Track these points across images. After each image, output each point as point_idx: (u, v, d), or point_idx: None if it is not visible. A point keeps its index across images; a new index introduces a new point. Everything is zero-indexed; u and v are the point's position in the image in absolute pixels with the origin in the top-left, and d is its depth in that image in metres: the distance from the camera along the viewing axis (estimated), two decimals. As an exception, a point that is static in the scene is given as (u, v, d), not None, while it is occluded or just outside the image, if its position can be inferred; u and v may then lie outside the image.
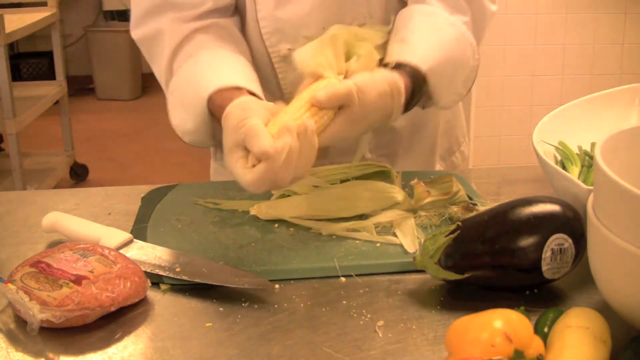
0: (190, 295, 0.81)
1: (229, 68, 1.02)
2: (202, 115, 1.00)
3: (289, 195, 1.00)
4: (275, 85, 1.14)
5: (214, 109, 0.98)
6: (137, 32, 1.11)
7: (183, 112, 1.04)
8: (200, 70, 1.02)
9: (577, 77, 2.91)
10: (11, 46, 5.09)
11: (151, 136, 4.51)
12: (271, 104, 0.92)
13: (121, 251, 0.86)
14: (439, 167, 1.29)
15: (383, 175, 1.05)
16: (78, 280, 0.76)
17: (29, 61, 5.17)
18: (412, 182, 1.00)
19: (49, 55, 4.14)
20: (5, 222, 1.01)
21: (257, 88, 1.00)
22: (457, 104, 1.09)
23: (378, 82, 0.91)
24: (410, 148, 1.23)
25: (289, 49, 1.09)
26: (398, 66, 0.96)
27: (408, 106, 0.97)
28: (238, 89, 0.96)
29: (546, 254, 0.76)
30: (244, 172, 0.82)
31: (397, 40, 1.01)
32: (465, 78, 1.08)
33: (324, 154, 1.15)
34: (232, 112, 0.87)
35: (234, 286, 0.80)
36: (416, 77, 0.97)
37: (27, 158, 3.43)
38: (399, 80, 0.92)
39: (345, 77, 0.93)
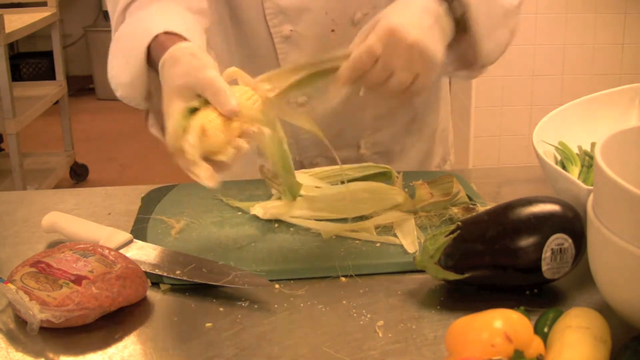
0: (190, 295, 0.81)
1: (176, 18, 0.96)
2: (140, 63, 0.93)
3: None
4: (275, 67, 1.13)
5: (155, 56, 0.91)
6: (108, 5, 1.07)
7: (122, 61, 0.98)
8: (146, 17, 0.97)
9: (577, 77, 2.90)
10: (11, 46, 5.09)
11: (151, 136, 4.50)
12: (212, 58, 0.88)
13: (121, 251, 0.86)
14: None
15: (383, 176, 1.05)
16: (78, 280, 0.76)
17: (29, 61, 5.17)
18: (415, 183, 1.00)
19: (49, 55, 4.14)
20: (5, 222, 1.01)
21: (203, 42, 0.95)
22: (501, 54, 1.04)
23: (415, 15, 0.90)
24: (406, 150, 1.23)
25: (291, 30, 1.09)
26: None
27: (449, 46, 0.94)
28: (182, 37, 0.90)
29: (546, 254, 0.76)
30: (208, 177, 0.80)
31: None
32: (506, 18, 1.03)
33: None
34: (180, 57, 0.84)
35: (234, 286, 0.80)
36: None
37: (27, 158, 3.43)
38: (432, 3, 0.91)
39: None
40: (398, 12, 0.91)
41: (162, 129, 0.99)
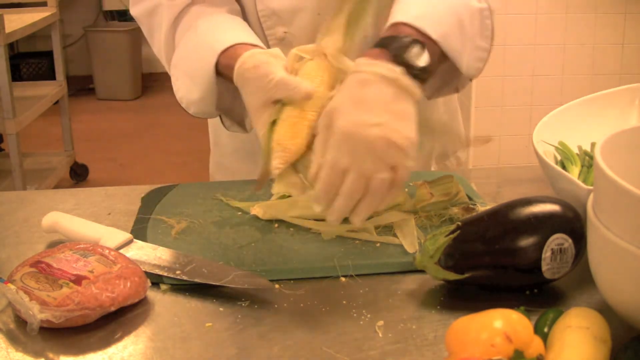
0: (190, 295, 0.81)
1: (229, 29, 1.02)
2: (210, 80, 0.99)
3: (289, 196, 1.00)
4: None
5: (223, 70, 0.97)
6: (135, 8, 1.11)
7: (189, 82, 1.04)
8: (202, 37, 1.02)
9: (577, 77, 2.90)
10: (11, 46, 5.09)
11: (151, 136, 4.51)
12: (274, 49, 0.92)
13: (121, 251, 0.86)
14: (433, 169, 1.29)
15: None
16: (78, 280, 0.76)
17: (29, 61, 5.17)
18: (416, 183, 0.99)
19: (49, 55, 4.14)
20: (5, 222, 1.01)
21: (256, 40, 1.00)
22: (484, 63, 0.99)
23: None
24: None
25: (284, 32, 1.10)
26: (394, 25, 0.89)
27: (424, 78, 0.85)
28: (241, 45, 0.96)
29: (546, 254, 0.76)
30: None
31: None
32: (479, 25, 0.98)
33: None
34: (246, 74, 0.88)
35: (234, 286, 0.80)
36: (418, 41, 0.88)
37: (27, 158, 3.42)
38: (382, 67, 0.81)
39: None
40: (348, 104, 0.81)
41: (241, 124, 1.09)
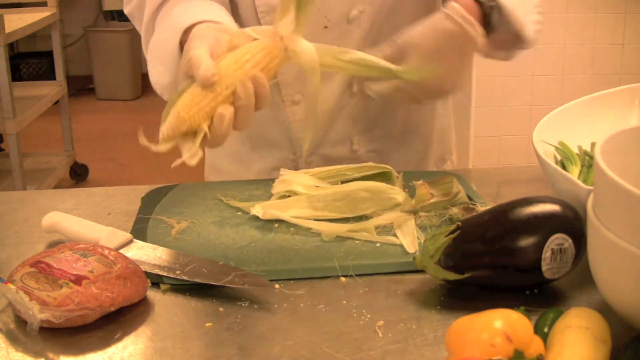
0: (190, 295, 0.81)
1: (200, 11, 0.99)
2: (175, 60, 0.97)
3: (289, 196, 1.00)
4: None
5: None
6: (128, 6, 1.11)
7: (160, 65, 1.02)
8: (172, 20, 1.00)
9: (577, 77, 2.90)
10: (11, 46, 5.09)
11: (151, 136, 4.51)
12: (228, 26, 0.91)
13: (121, 251, 0.86)
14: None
15: (383, 176, 1.05)
16: (78, 280, 0.76)
17: (29, 61, 5.18)
18: (416, 183, 0.99)
19: (49, 55, 4.14)
20: (5, 222, 1.01)
21: (225, 19, 0.98)
22: (539, 34, 1.08)
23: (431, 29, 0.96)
24: (402, 149, 1.22)
25: None
26: None
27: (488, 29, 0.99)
28: (203, 22, 0.94)
29: (546, 254, 0.76)
30: (191, 154, 0.82)
31: None
32: (532, 1, 1.06)
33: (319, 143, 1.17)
34: (186, 47, 0.87)
35: (234, 286, 0.80)
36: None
37: (27, 158, 3.43)
38: (455, 14, 0.96)
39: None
40: (427, 43, 0.96)
41: None
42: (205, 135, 0.82)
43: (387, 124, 1.20)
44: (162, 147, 0.83)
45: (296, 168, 1.17)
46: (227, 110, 0.82)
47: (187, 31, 0.93)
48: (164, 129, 0.82)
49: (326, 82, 0.91)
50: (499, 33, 1.00)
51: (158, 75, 1.03)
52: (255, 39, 0.86)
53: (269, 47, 0.86)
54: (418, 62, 0.94)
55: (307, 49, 0.87)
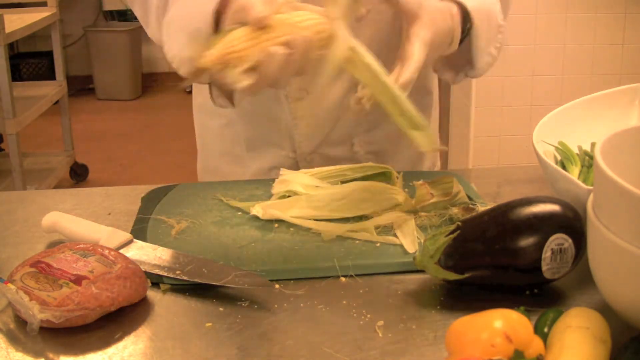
0: (190, 295, 0.81)
1: None
2: (208, 29, 0.90)
3: (289, 196, 1.00)
4: None
5: (219, 16, 0.90)
6: None
7: (182, 37, 0.96)
8: None
9: (577, 77, 2.91)
10: (11, 46, 5.10)
11: (151, 136, 4.51)
12: None
13: (121, 251, 0.86)
14: (426, 168, 1.29)
15: (383, 176, 1.05)
16: (78, 280, 0.76)
17: (29, 61, 5.18)
18: (416, 183, 0.99)
19: (49, 55, 4.15)
20: (5, 222, 1.01)
21: None
22: (490, 67, 1.09)
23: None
24: (399, 150, 1.22)
25: None
26: None
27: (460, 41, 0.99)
28: None
29: (546, 254, 0.76)
30: (240, 78, 0.77)
31: None
32: (495, 36, 1.06)
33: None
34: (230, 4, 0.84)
35: (234, 286, 0.80)
36: (463, 12, 1.00)
37: (27, 158, 3.43)
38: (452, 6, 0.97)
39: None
40: (432, 21, 0.95)
41: (229, 97, 1.03)
42: (251, 71, 0.77)
43: (388, 125, 1.20)
44: (206, 63, 0.77)
45: (296, 167, 1.17)
46: (280, 49, 0.78)
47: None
48: (210, 52, 0.77)
49: (336, 78, 0.89)
50: (457, 53, 1.01)
51: (178, 47, 0.97)
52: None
53: (322, 23, 0.83)
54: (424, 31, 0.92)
55: (345, 39, 0.84)
